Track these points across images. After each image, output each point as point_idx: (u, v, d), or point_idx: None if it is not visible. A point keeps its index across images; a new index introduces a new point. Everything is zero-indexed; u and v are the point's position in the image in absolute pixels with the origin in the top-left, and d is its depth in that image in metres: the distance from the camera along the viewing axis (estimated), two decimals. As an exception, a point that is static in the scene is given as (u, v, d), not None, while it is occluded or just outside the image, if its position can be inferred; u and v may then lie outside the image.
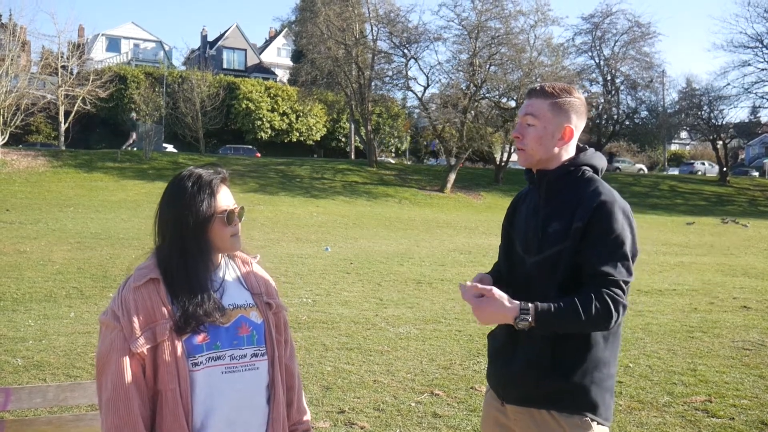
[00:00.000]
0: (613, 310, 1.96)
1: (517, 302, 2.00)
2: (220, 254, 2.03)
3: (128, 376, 1.82)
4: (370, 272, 10.88)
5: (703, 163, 51.21)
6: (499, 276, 2.31)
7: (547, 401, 2.07)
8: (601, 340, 2.07)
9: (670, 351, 6.28)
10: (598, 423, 2.06)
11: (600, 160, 2.20)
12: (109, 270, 10.24)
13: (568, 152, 2.17)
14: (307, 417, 2.16)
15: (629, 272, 2.01)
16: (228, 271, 2.04)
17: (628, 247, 2.02)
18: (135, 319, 1.85)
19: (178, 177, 2.00)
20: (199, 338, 1.87)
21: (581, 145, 2.22)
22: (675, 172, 51.04)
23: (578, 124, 2.16)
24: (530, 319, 1.97)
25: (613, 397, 2.14)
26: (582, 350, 2.05)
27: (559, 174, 2.14)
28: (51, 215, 17.80)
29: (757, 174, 49.86)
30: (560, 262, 2.05)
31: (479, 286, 2.06)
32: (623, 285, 1.99)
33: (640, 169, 49.06)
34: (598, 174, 2.18)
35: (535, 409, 2.09)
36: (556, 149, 2.14)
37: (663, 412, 4.64)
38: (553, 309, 1.99)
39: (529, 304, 1.99)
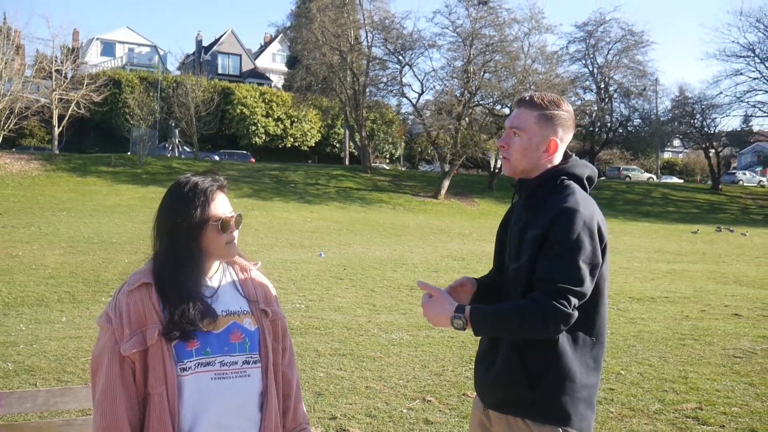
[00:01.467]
0: (551, 318, 1.92)
1: (456, 303, 2.05)
2: (216, 261, 2.04)
3: (117, 379, 1.84)
4: (363, 278, 10.88)
5: (745, 173, 50.71)
6: (490, 281, 2.33)
7: (520, 409, 2.08)
8: (569, 350, 2.05)
9: (661, 358, 6.30)
10: None
11: (583, 169, 2.19)
12: (102, 275, 10.20)
13: (553, 163, 2.18)
14: (304, 426, 2.15)
15: (579, 282, 1.96)
16: (225, 277, 2.05)
17: (582, 257, 1.97)
18: (126, 323, 1.87)
19: (175, 184, 2.02)
20: (188, 343, 1.88)
21: (568, 153, 2.23)
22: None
23: (564, 137, 2.17)
24: (463, 320, 2.00)
25: (591, 408, 2.12)
26: (549, 360, 2.04)
27: (537, 183, 2.16)
28: (44, 219, 17.73)
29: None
30: (527, 270, 2.07)
31: (429, 286, 2.13)
32: (569, 295, 1.94)
33: (650, 177, 49.01)
34: (583, 183, 2.17)
35: (511, 416, 2.10)
36: (541, 161, 2.15)
37: (654, 420, 4.65)
38: (487, 311, 2.02)
39: (466, 306, 2.03)
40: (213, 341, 1.91)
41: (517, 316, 1.97)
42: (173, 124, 39.80)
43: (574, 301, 1.95)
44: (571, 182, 2.14)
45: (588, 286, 1.98)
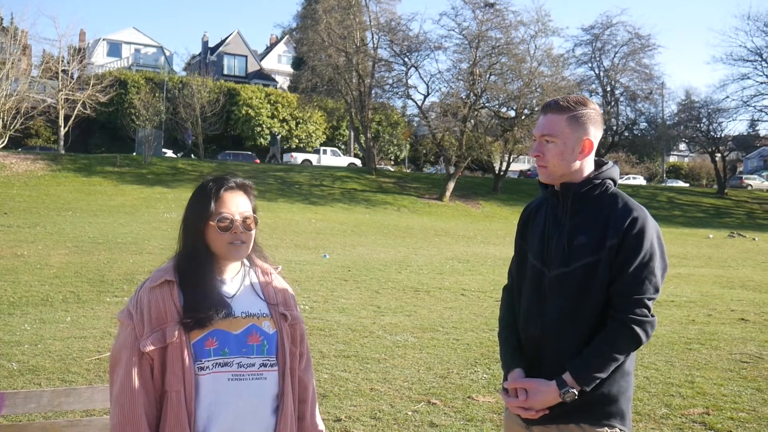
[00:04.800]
0: (641, 333, 2.02)
1: (551, 381, 2.05)
2: (230, 262, 2.03)
3: (136, 375, 1.86)
4: (367, 280, 10.86)
5: (755, 178, 49.80)
6: (518, 343, 2.26)
7: (576, 415, 2.07)
8: None
9: (668, 363, 6.26)
10: None
11: (617, 173, 2.24)
12: (107, 275, 10.21)
13: (589, 164, 2.19)
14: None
15: (656, 289, 2.05)
16: (245, 280, 2.05)
17: (656, 264, 2.05)
18: (147, 319, 1.89)
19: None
20: (207, 343, 1.89)
21: (599, 159, 2.24)
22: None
23: (596, 134, 2.18)
24: (572, 390, 2.01)
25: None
26: None
27: (585, 187, 2.15)
28: (49, 219, 17.77)
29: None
30: (593, 276, 2.06)
31: (517, 384, 2.12)
32: (648, 302, 2.04)
33: None
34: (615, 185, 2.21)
35: (563, 425, 2.09)
36: (578, 163, 2.15)
37: (661, 425, 4.62)
38: (586, 365, 2.02)
39: (563, 375, 2.03)
40: (231, 342, 1.92)
41: (610, 350, 2.02)
42: (276, 133, 40.26)
43: (651, 305, 2.05)
44: (615, 187, 2.19)
45: (661, 286, 2.07)
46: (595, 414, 2.06)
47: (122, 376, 1.86)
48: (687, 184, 51.90)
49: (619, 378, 2.08)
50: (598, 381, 2.03)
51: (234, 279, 2.03)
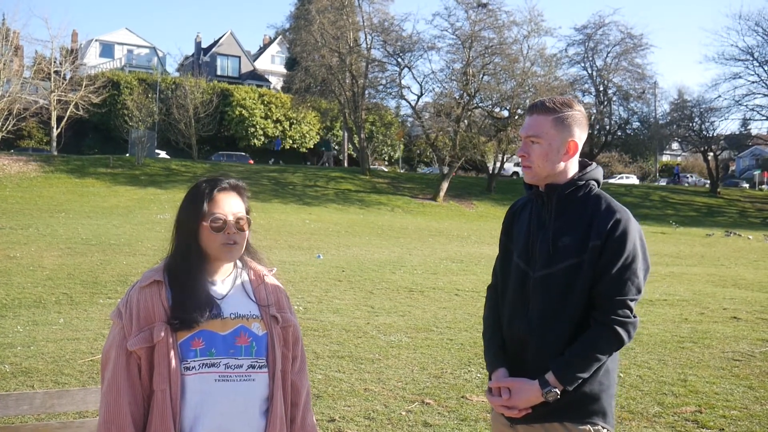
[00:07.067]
0: (623, 334, 2.05)
1: (533, 380, 2.07)
2: (222, 263, 2.03)
3: (123, 373, 1.87)
4: (362, 280, 10.86)
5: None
6: (502, 343, 2.28)
7: (559, 413, 2.10)
8: None
9: (660, 361, 6.29)
10: (608, 431, 2.12)
11: (601, 174, 2.26)
12: (100, 276, 10.18)
13: (574, 165, 2.20)
14: None
15: (638, 290, 2.07)
16: (237, 281, 2.05)
17: (639, 265, 2.07)
18: (135, 319, 1.90)
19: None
20: (193, 343, 1.89)
21: (584, 160, 2.26)
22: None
23: (581, 136, 2.19)
24: (554, 390, 2.04)
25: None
26: None
27: (570, 189, 2.17)
28: (42, 221, 17.70)
29: (747, 185, 50.18)
30: (576, 277, 2.08)
31: (501, 384, 2.15)
32: (631, 303, 2.06)
33: None
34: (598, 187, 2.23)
35: (547, 423, 2.12)
36: (562, 164, 2.16)
37: (653, 423, 4.64)
38: (568, 365, 2.05)
39: (546, 375, 2.06)
40: (218, 342, 1.91)
41: (593, 350, 2.05)
42: (328, 139, 40.42)
43: (634, 306, 2.07)
44: (598, 187, 2.21)
45: (643, 287, 2.10)
46: (578, 412, 2.09)
47: (110, 374, 1.88)
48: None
49: (601, 376, 2.10)
50: (580, 381, 2.05)
51: (225, 280, 2.03)
